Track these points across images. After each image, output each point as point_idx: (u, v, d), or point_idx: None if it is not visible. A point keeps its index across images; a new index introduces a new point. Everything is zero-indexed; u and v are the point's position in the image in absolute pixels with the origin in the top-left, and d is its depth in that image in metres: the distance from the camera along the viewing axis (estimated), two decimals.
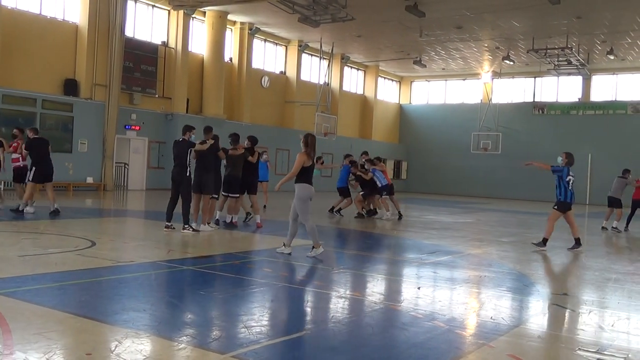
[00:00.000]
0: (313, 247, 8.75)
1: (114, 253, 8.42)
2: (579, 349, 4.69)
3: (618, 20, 25.65)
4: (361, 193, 16.74)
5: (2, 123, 20.06)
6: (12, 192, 14.24)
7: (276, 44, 32.72)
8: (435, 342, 4.81)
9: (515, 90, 38.93)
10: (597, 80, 36.39)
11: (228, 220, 12.49)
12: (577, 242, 10.91)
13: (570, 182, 10.92)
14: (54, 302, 5.39)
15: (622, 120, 34.98)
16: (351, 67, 38.29)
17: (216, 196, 11.92)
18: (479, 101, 39.06)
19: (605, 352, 4.63)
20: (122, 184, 24.90)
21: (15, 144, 13.76)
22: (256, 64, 31.17)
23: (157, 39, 26.49)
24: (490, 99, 38.19)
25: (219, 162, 11.76)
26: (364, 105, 39.96)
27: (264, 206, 17.19)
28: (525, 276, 8.35)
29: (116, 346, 4.19)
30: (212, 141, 11.32)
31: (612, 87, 36.15)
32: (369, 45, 33.24)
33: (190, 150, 11.00)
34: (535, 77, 37.57)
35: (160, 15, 26.66)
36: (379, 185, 16.27)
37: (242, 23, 29.39)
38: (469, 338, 5.04)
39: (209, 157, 11.29)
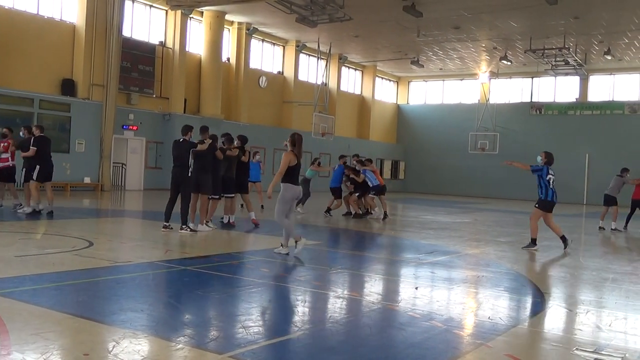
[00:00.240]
0: (296, 242, 8.83)
1: (111, 253, 8.41)
2: (577, 348, 4.70)
3: (615, 21, 25.69)
4: (356, 194, 16.80)
5: None
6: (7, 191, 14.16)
7: (274, 44, 32.71)
8: (432, 342, 4.81)
9: (513, 90, 38.97)
10: (595, 80, 36.45)
11: (225, 221, 12.50)
12: (564, 240, 10.91)
13: (551, 181, 10.95)
14: (52, 303, 5.38)
15: (620, 120, 35.04)
16: (349, 67, 38.30)
17: (217, 196, 11.93)
18: (477, 101, 39.10)
19: (602, 352, 4.63)
20: (120, 184, 24.87)
21: (5, 144, 13.65)
22: (254, 64, 31.16)
23: (154, 39, 26.47)
24: (488, 99, 38.23)
25: (217, 162, 11.76)
26: (362, 106, 39.98)
27: (262, 206, 17.19)
28: (522, 276, 8.37)
29: (114, 346, 4.19)
30: (210, 140, 11.32)
31: (609, 88, 36.20)
32: (366, 46, 33.25)
33: (192, 150, 11.00)
34: (532, 77, 37.63)
35: (157, 15, 26.64)
36: (370, 185, 16.34)
37: (239, 23, 29.38)
38: (466, 338, 5.05)
39: (207, 157, 11.29)
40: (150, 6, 26.14)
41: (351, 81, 39.06)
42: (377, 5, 24.18)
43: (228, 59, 29.75)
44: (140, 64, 25.49)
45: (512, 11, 24.67)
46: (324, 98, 31.22)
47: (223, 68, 28.71)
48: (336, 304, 6.17)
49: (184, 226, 10.83)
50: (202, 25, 27.83)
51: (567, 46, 28.55)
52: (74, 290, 6.06)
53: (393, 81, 43.05)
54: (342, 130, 36.28)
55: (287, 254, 8.75)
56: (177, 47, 26.59)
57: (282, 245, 8.91)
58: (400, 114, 43.52)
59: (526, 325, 5.53)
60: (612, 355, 4.56)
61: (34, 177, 12.79)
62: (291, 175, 8.72)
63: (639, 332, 5.58)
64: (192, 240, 10.12)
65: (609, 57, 30.77)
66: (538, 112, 37.67)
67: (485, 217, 20.07)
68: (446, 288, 7.21)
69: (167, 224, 10.91)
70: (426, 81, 42.19)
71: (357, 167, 16.74)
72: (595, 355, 4.54)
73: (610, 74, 35.75)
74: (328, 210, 16.74)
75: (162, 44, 26.66)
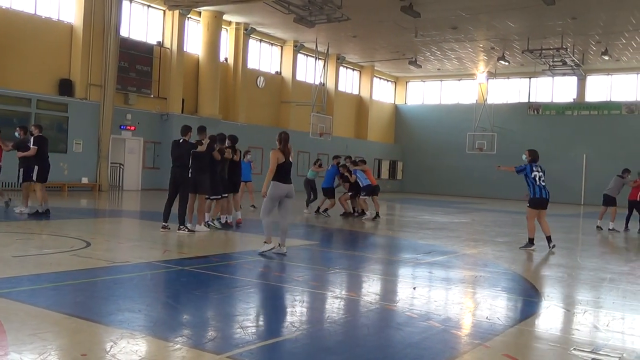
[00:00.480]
0: (265, 242, 8.80)
1: (109, 253, 8.40)
2: (574, 348, 4.70)
3: (613, 21, 25.73)
4: (349, 194, 16.85)
5: None
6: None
7: (272, 44, 32.71)
8: (430, 342, 4.81)
9: (511, 90, 39.02)
10: (592, 80, 36.51)
11: (223, 221, 12.50)
12: (548, 240, 10.84)
13: (537, 178, 10.89)
14: (49, 303, 5.37)
15: (617, 120, 35.10)
16: (347, 68, 38.30)
17: (219, 196, 11.93)
18: (474, 101, 39.13)
19: (600, 352, 4.64)
20: (117, 185, 24.84)
21: None
22: (252, 64, 31.15)
23: (152, 39, 26.45)
24: (486, 100, 38.25)
25: (215, 163, 11.75)
26: (360, 106, 39.98)
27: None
28: (520, 276, 8.37)
29: (111, 347, 4.18)
30: (209, 140, 11.32)
31: (606, 88, 36.26)
32: (364, 46, 33.27)
33: (193, 151, 10.99)
34: (530, 78, 37.68)
35: (155, 16, 26.62)
36: (361, 185, 16.35)
37: (237, 23, 29.37)
38: (464, 338, 5.05)
39: (205, 157, 11.28)
40: (148, 6, 26.12)
41: (349, 81, 39.06)
42: (375, 5, 24.19)
43: (226, 59, 29.74)
44: (137, 64, 25.47)
45: (510, 11, 24.69)
46: (321, 98, 31.23)
47: (221, 68, 28.70)
48: (334, 304, 6.17)
49: (181, 226, 10.83)
50: (200, 25, 27.82)
51: (564, 46, 28.59)
52: (72, 291, 6.05)
53: (391, 81, 43.07)
54: (340, 130, 36.29)
55: (285, 253, 8.73)
56: (174, 47, 26.57)
57: (279, 244, 8.88)
58: (398, 114, 43.54)
59: (524, 326, 5.53)
60: (609, 355, 4.57)
61: (34, 177, 12.72)
62: (279, 173, 8.74)
63: (636, 332, 5.59)
64: (190, 241, 10.11)
65: (606, 58, 30.82)
66: (536, 112, 37.72)
67: (482, 217, 20.08)
68: (444, 288, 7.21)
69: (166, 224, 10.90)
70: (424, 81, 42.22)
71: (349, 167, 16.79)
72: (593, 355, 4.55)
73: (608, 74, 35.81)
74: (318, 210, 16.77)
75: (160, 44, 26.65)
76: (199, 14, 27.55)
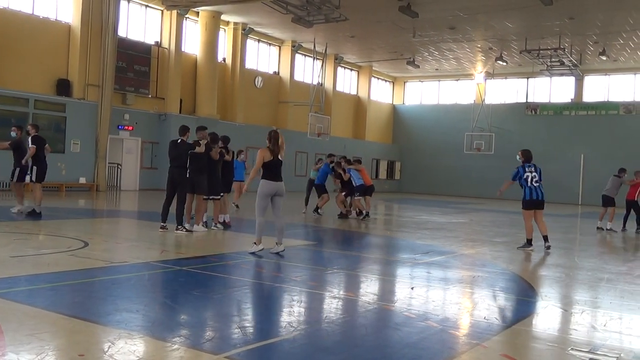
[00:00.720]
0: (254, 243, 8.84)
1: (107, 254, 8.39)
2: (572, 348, 4.71)
3: (610, 21, 25.77)
4: (343, 193, 16.84)
5: None
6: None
7: (269, 44, 32.70)
8: (428, 342, 4.82)
9: (508, 90, 39.05)
10: (590, 80, 36.55)
11: (220, 220, 12.48)
12: (545, 239, 10.90)
13: (529, 179, 10.87)
14: (47, 303, 5.37)
15: (615, 120, 35.15)
16: (344, 68, 38.31)
17: (218, 196, 11.92)
18: (472, 102, 39.15)
19: (597, 352, 4.64)
20: (115, 185, 24.81)
21: None
22: (249, 64, 31.14)
23: (150, 39, 26.43)
24: (483, 100, 38.29)
25: (213, 163, 11.73)
26: (358, 106, 40.00)
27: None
28: (518, 276, 8.38)
29: (109, 347, 4.18)
30: (207, 141, 11.31)
31: (604, 88, 36.31)
32: (362, 46, 33.28)
33: (190, 152, 10.98)
34: (528, 78, 37.70)
35: (153, 16, 26.60)
36: (354, 184, 16.34)
37: (235, 23, 29.35)
38: (462, 338, 5.05)
39: (203, 158, 11.27)
40: (146, 6, 26.09)
41: (347, 81, 39.07)
42: (373, 5, 24.19)
43: (224, 59, 29.72)
44: (135, 64, 25.44)
45: (508, 12, 24.71)
46: (319, 98, 31.24)
47: (219, 68, 28.68)
48: (332, 305, 6.17)
49: (179, 226, 10.82)
50: (198, 25, 27.80)
51: (562, 47, 28.62)
52: (70, 291, 6.05)
53: (389, 81, 43.09)
54: (338, 130, 36.29)
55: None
56: (172, 47, 26.55)
57: (276, 243, 8.91)
58: (396, 114, 43.56)
59: (521, 326, 5.53)
60: (607, 355, 4.58)
61: (33, 178, 12.70)
62: (268, 170, 8.81)
63: (633, 332, 5.59)
64: (187, 241, 10.11)
65: (604, 58, 30.85)
66: (533, 112, 37.76)
67: (480, 218, 20.10)
68: (442, 288, 7.22)
69: (164, 224, 10.89)
70: (422, 81, 42.24)
71: (343, 165, 16.80)
72: (591, 355, 4.55)
73: (605, 75, 35.86)
74: (317, 209, 16.79)
75: (158, 44, 26.62)
76: (197, 14, 27.53)
